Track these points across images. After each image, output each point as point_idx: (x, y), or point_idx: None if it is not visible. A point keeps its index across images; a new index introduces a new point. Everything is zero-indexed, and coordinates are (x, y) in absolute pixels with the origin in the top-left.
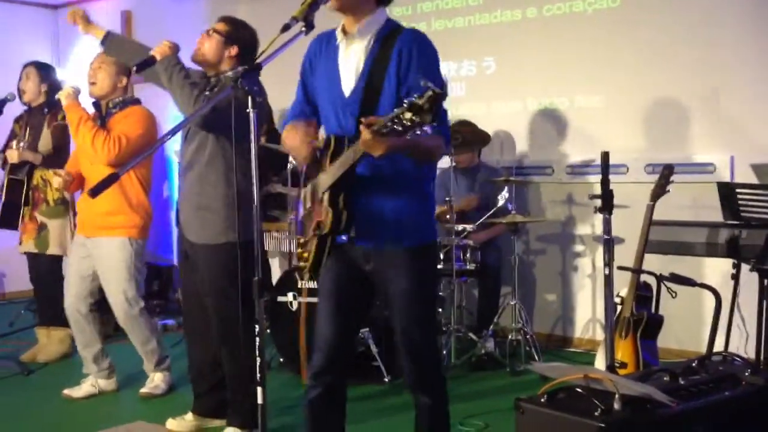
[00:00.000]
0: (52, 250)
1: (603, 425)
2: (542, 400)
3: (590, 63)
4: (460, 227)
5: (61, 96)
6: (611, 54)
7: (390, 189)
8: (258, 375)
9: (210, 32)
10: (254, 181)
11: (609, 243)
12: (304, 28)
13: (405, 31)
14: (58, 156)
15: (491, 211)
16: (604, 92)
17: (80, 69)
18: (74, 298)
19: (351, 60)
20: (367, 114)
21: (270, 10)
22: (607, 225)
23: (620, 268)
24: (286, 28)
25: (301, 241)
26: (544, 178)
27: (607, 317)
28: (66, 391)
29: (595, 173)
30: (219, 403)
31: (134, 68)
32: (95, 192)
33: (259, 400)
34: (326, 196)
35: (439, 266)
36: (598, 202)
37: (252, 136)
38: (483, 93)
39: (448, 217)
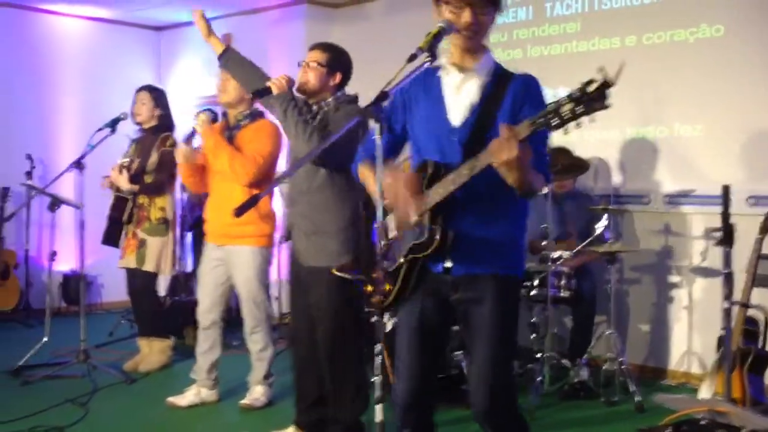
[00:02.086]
0: (148, 266)
1: None
2: (666, 431)
3: (690, 92)
4: (556, 254)
5: (197, 125)
6: (712, 83)
7: (485, 213)
8: (378, 393)
9: (310, 64)
10: (379, 204)
11: (729, 277)
12: (428, 59)
13: (519, 75)
14: (158, 182)
15: (588, 239)
16: (703, 121)
17: (181, 87)
18: (208, 305)
19: (463, 93)
20: (477, 143)
21: (362, 29)
22: (727, 258)
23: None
24: (412, 58)
25: (377, 275)
26: (640, 207)
27: (726, 351)
28: (170, 399)
29: (692, 203)
30: (320, 418)
31: (251, 95)
32: (240, 212)
33: (378, 418)
34: (427, 217)
35: (533, 293)
36: (718, 235)
37: (379, 162)
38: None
39: (544, 243)
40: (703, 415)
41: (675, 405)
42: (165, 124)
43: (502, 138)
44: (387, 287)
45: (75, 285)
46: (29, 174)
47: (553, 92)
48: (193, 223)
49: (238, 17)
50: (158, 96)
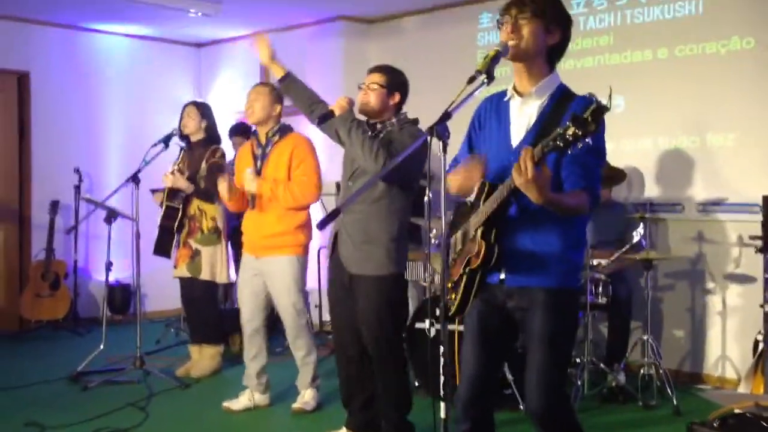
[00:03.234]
0: (204, 275)
1: None
2: (714, 424)
3: (722, 103)
4: (594, 261)
5: (246, 185)
6: (743, 94)
7: (537, 228)
8: (441, 391)
9: (371, 86)
10: (443, 218)
11: None
12: (485, 80)
13: (579, 97)
14: (211, 189)
15: (626, 247)
16: (735, 131)
17: (219, 102)
18: (249, 314)
19: (524, 116)
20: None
21: (397, 44)
22: (766, 264)
23: None
24: (471, 80)
25: (449, 285)
26: (674, 215)
27: (766, 352)
28: (225, 404)
29: (725, 212)
30: (371, 419)
31: (316, 122)
32: (323, 225)
33: (442, 414)
34: (479, 232)
35: None
36: (758, 243)
37: (443, 176)
38: (612, 131)
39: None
40: (747, 410)
41: (721, 400)
42: (211, 136)
43: (520, 160)
44: (452, 296)
45: (120, 294)
46: (77, 188)
47: None
48: (230, 233)
49: (274, 33)
50: (204, 110)
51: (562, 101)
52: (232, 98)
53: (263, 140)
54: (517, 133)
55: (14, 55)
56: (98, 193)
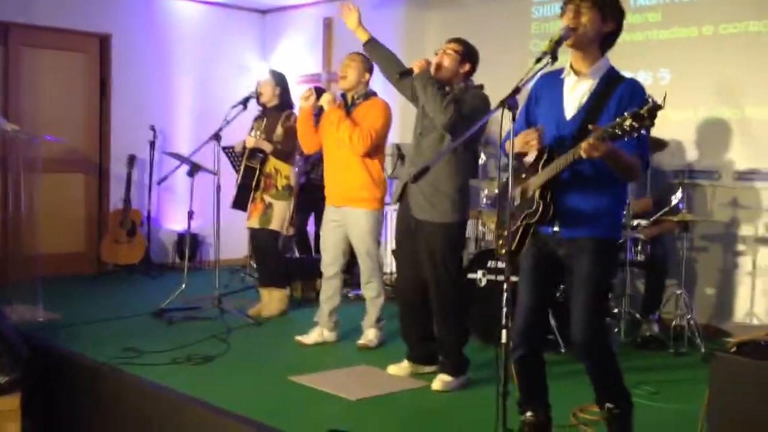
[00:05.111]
0: (274, 226)
1: None
2: (732, 350)
3: (762, 78)
4: (634, 222)
5: (324, 101)
6: None
7: (588, 190)
8: (504, 319)
9: (447, 50)
10: (510, 180)
11: None
12: (550, 60)
13: (627, 80)
14: (287, 150)
15: (664, 210)
16: None
17: (282, 67)
18: (330, 260)
19: (577, 92)
20: (582, 135)
21: (457, 17)
22: None
23: None
24: (538, 60)
25: (504, 233)
26: (712, 182)
27: None
28: (298, 338)
29: (762, 179)
30: (429, 353)
31: (397, 76)
32: (417, 178)
33: (503, 339)
34: (537, 193)
35: None
36: None
37: (511, 145)
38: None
39: (624, 213)
40: (762, 339)
41: (739, 332)
42: (285, 102)
43: (588, 141)
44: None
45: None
46: (152, 143)
47: (633, 75)
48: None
49: (338, 2)
50: (279, 78)
51: (610, 83)
52: (294, 63)
53: (349, 102)
54: (570, 107)
55: (97, 19)
56: (170, 149)
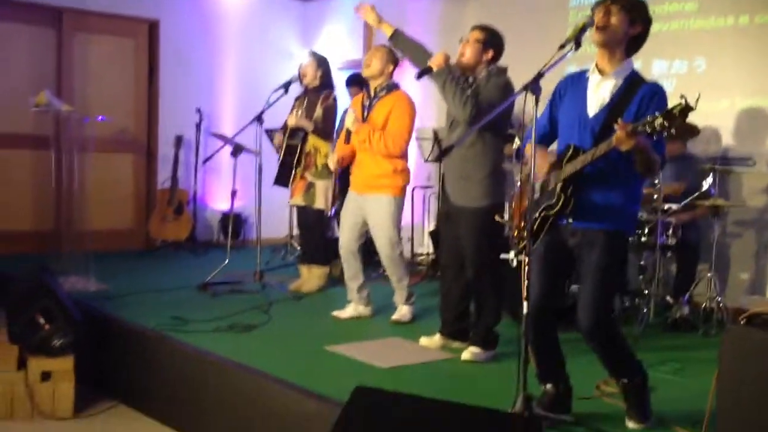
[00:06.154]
0: (318, 204)
1: None
2: (742, 322)
3: None
4: (666, 206)
5: (348, 123)
6: None
7: (605, 185)
8: (525, 292)
9: (469, 40)
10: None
11: None
12: (573, 46)
13: (649, 83)
14: (326, 129)
15: (696, 194)
16: None
17: (324, 53)
18: (348, 240)
19: (600, 92)
20: (604, 133)
21: (496, 6)
22: None
23: None
24: (562, 46)
25: (521, 224)
26: (746, 169)
27: None
28: (334, 313)
29: None
30: (461, 329)
31: (416, 76)
32: (440, 157)
33: (524, 311)
34: (559, 186)
35: (643, 239)
36: None
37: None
38: (692, 89)
39: (655, 197)
40: None
41: (752, 305)
42: (325, 83)
43: (619, 134)
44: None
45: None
46: (198, 125)
47: (669, 63)
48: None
49: None
50: (321, 61)
51: (633, 84)
52: (335, 51)
53: (372, 93)
54: (593, 105)
55: (146, 4)
56: (215, 130)
